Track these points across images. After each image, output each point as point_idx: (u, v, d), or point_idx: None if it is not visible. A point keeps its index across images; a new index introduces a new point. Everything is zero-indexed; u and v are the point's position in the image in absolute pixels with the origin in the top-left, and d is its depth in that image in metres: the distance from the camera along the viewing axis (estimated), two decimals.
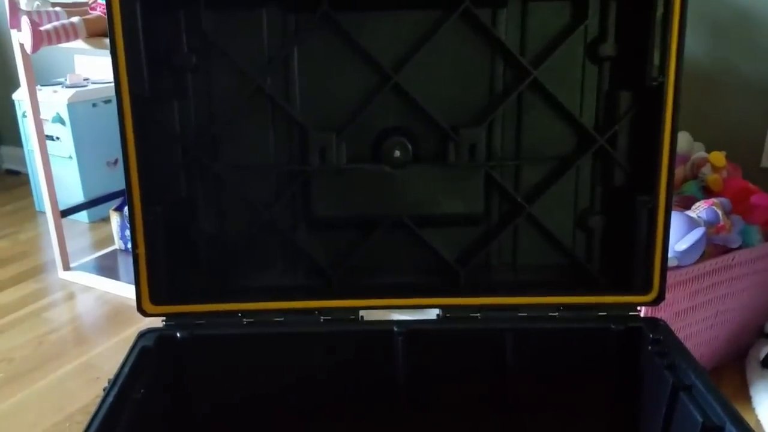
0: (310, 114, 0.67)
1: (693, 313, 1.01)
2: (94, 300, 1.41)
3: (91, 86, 1.81)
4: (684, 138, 1.18)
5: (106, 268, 1.51)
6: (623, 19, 0.64)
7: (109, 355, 1.22)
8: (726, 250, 1.02)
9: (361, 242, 0.69)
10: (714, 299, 1.03)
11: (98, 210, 1.78)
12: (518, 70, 0.66)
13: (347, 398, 0.67)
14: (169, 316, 0.66)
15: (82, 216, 1.81)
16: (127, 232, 1.51)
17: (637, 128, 0.66)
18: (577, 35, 0.66)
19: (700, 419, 0.53)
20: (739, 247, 1.02)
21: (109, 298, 1.41)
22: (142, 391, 0.58)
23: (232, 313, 0.67)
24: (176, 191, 0.67)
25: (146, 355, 0.62)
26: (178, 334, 0.65)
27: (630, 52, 0.65)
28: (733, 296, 1.05)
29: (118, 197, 1.66)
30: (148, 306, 0.65)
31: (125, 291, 1.40)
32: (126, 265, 1.51)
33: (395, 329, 0.65)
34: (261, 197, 0.68)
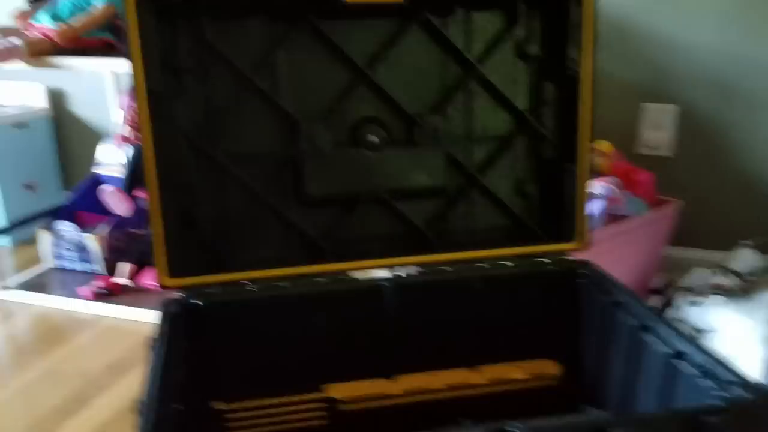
0: (298, 106, 0.78)
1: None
2: (30, 317, 1.41)
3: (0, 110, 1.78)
4: None
5: (40, 285, 1.50)
6: (546, 24, 0.82)
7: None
8: (619, 218, 1.24)
9: (346, 216, 0.81)
10: (614, 261, 1.22)
11: (19, 233, 1.74)
12: (466, 66, 0.82)
13: (347, 345, 0.78)
14: (184, 288, 0.74)
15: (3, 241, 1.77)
16: (62, 250, 1.52)
17: (561, 111, 0.83)
18: (510, 37, 0.83)
19: (636, 323, 0.69)
20: (630, 216, 1.24)
21: (44, 313, 1.41)
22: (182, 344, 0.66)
23: (240, 282, 0.76)
24: (183, 177, 0.76)
25: (174, 320, 0.70)
26: (198, 302, 0.73)
27: (552, 50, 0.82)
28: (628, 257, 1.27)
29: (40, 219, 1.64)
30: (166, 280, 0.73)
31: (59, 304, 1.41)
32: (59, 281, 1.51)
33: (384, 283, 0.78)
34: (257, 181, 0.79)
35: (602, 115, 1.50)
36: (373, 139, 0.81)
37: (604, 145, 1.35)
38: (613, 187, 1.22)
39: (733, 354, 1.10)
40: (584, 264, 0.82)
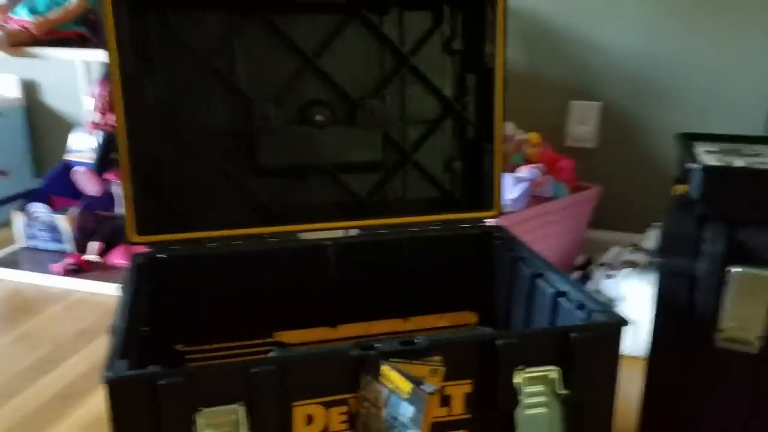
0: (253, 88, 0.91)
1: None
2: (2, 291, 1.49)
3: None
4: (510, 125, 1.56)
5: (13, 262, 1.58)
6: (467, 23, 0.96)
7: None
8: (543, 200, 1.39)
9: (295, 185, 0.94)
10: (538, 238, 1.39)
11: None
12: (401, 57, 0.95)
13: (295, 297, 0.91)
14: (150, 244, 0.86)
15: None
16: (35, 230, 1.61)
17: (480, 98, 0.98)
18: (437, 34, 0.96)
19: (532, 272, 0.84)
20: (553, 198, 1.39)
21: (16, 288, 1.49)
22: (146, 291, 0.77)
23: (200, 240, 0.88)
24: (151, 149, 0.87)
25: (141, 268, 0.81)
26: (162, 256, 0.85)
27: (472, 45, 0.96)
28: (550, 237, 1.42)
29: (13, 202, 1.72)
30: (134, 237, 0.85)
31: (30, 279, 1.50)
32: (30, 259, 1.59)
33: (327, 243, 0.91)
34: (216, 152, 0.91)
35: (533, 109, 1.67)
36: (320, 118, 0.94)
37: (533, 137, 1.50)
38: (538, 172, 1.37)
39: (638, 317, 1.27)
40: (498, 228, 0.96)
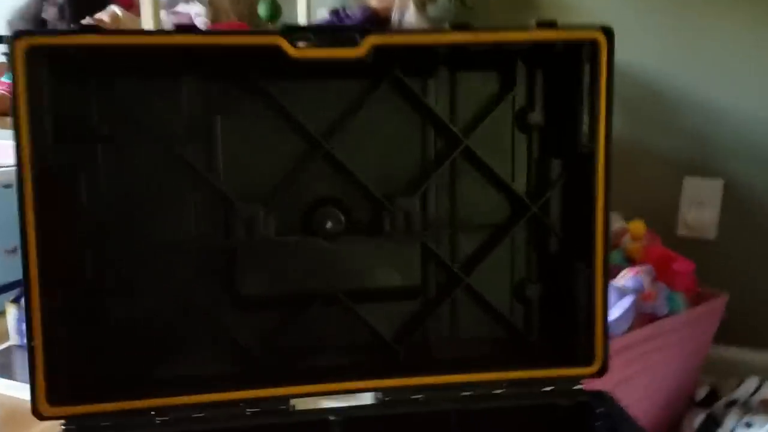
0: (236, 184, 0.63)
1: (627, 385, 1.00)
2: None
3: None
4: None
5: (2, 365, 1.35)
6: (550, 88, 0.65)
7: None
8: (653, 318, 1.03)
9: (291, 321, 0.64)
10: (646, 368, 1.02)
11: None
12: (449, 138, 0.65)
13: None
14: (69, 419, 0.57)
15: None
16: (24, 325, 1.39)
17: (569, 195, 0.66)
18: (505, 104, 0.66)
19: None
20: (666, 315, 1.03)
21: (2, 401, 1.25)
22: None
23: (144, 411, 0.59)
24: (81, 273, 0.60)
25: None
26: None
27: (559, 119, 0.65)
28: (663, 364, 1.05)
29: (16, 287, 1.52)
30: (44, 408, 0.56)
31: (21, 391, 1.25)
32: (22, 362, 1.36)
33: (332, 418, 0.59)
34: (180, 275, 0.62)
35: (635, 190, 1.32)
36: (330, 225, 0.64)
37: (636, 227, 1.15)
38: (645, 279, 1.02)
39: None
40: (601, 398, 0.62)
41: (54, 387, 0.56)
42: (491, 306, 0.67)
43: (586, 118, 0.63)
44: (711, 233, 1.32)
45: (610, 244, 0.65)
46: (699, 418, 1.07)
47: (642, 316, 1.01)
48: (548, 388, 0.63)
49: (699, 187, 1.32)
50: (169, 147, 0.61)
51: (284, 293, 0.64)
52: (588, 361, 0.63)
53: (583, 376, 0.64)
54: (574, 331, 0.64)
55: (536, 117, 0.66)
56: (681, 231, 1.33)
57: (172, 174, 0.62)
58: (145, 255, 0.61)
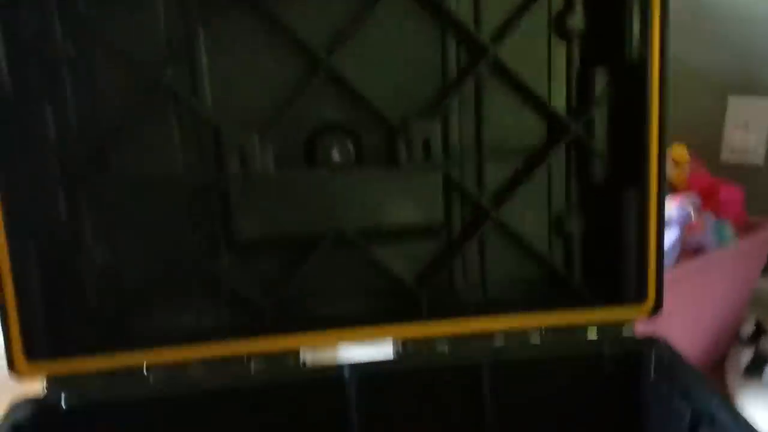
0: (226, 111, 0.54)
1: (670, 321, 0.92)
2: None
3: None
4: None
5: None
6: None
7: None
8: (699, 250, 0.94)
9: (296, 266, 0.56)
10: (691, 304, 0.94)
11: None
12: (474, 48, 0.55)
13: None
14: (51, 378, 0.51)
15: None
16: None
17: (617, 112, 0.56)
18: (540, 6, 0.56)
19: None
20: (713, 246, 0.94)
21: None
22: None
23: (135, 368, 0.52)
24: (54, 215, 0.52)
25: None
26: (63, 402, 0.50)
27: (603, 23, 0.55)
28: (710, 299, 0.97)
29: None
30: (22, 365, 0.50)
31: None
32: None
33: (347, 375, 0.52)
34: (167, 217, 0.55)
35: (675, 111, 1.21)
36: (336, 155, 0.56)
37: (678, 151, 1.05)
38: (691, 209, 0.93)
39: None
40: (655, 344, 0.54)
41: (32, 343, 0.50)
42: (525, 243, 0.58)
43: (636, 22, 0.53)
44: (758, 158, 1.22)
45: (666, 166, 0.56)
46: (746, 356, 0.99)
47: (687, 249, 0.92)
48: (593, 336, 0.55)
49: (745, 107, 1.21)
50: (146, 69, 0.52)
51: (287, 235, 0.56)
52: (640, 297, 0.55)
53: (634, 318, 0.56)
54: (622, 267, 0.56)
55: (577, 21, 0.56)
56: (725, 155, 1.22)
57: (151, 101, 0.53)
58: (125, 194, 0.53)
